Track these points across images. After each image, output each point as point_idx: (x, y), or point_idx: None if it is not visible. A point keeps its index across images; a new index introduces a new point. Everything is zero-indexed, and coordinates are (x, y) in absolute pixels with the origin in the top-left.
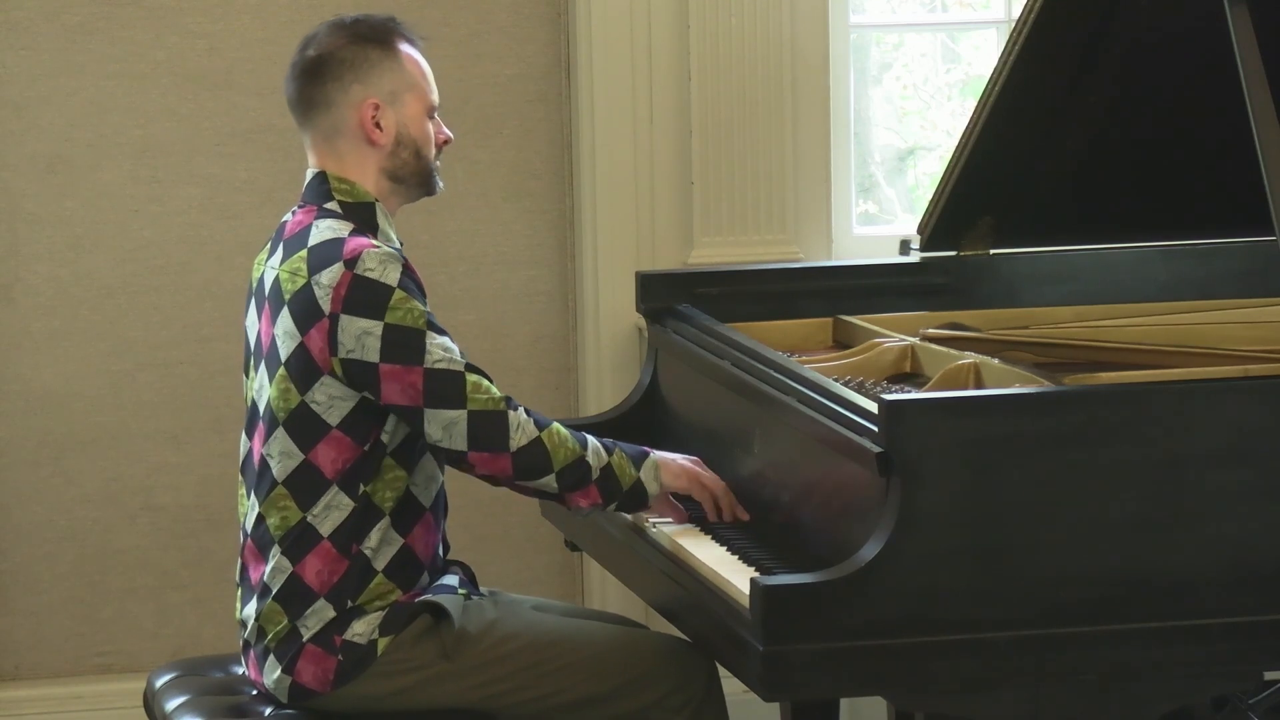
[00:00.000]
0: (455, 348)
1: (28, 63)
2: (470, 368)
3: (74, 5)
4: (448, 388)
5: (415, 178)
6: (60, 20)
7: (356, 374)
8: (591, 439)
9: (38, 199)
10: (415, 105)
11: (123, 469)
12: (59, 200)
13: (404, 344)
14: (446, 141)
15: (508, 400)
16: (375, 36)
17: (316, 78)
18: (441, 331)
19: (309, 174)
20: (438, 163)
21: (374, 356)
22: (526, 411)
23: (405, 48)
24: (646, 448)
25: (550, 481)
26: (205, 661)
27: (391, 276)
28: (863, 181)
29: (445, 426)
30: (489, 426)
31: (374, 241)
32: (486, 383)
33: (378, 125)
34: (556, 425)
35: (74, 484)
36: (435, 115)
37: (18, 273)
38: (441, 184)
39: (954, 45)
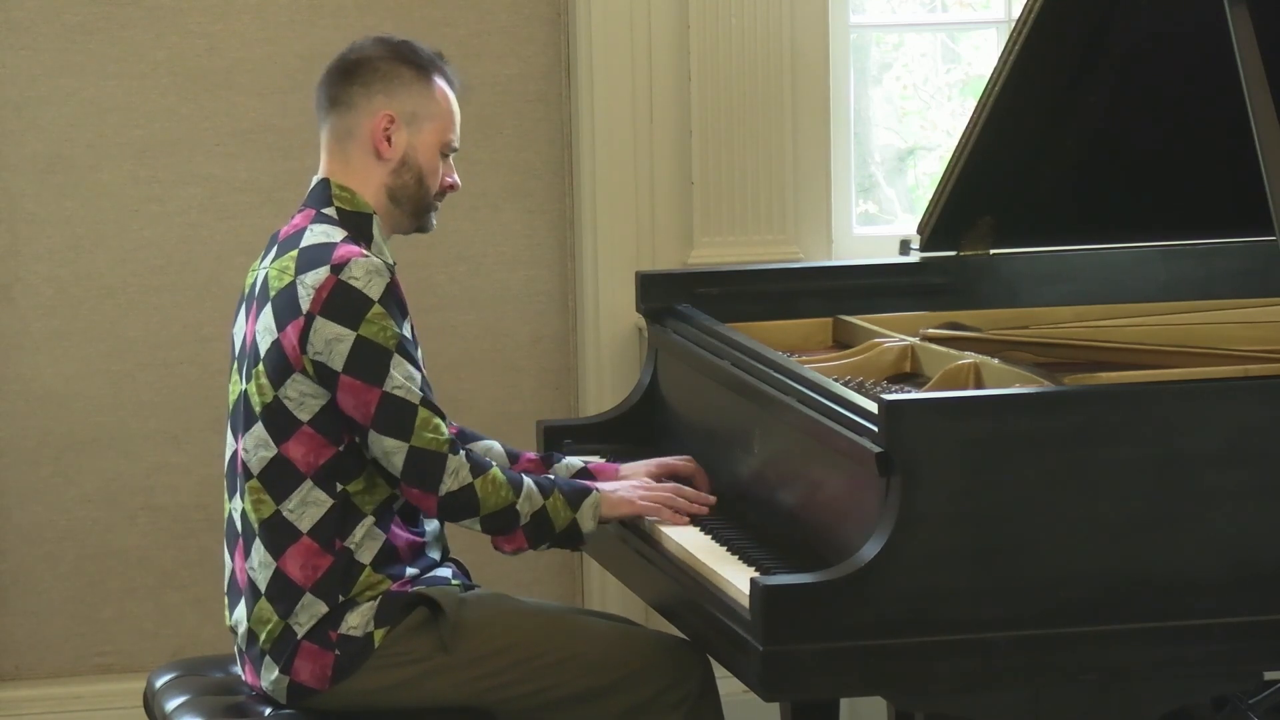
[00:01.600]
0: (419, 377)
1: (28, 63)
2: (426, 403)
3: (74, 5)
4: (398, 416)
5: (412, 204)
6: (60, 20)
7: (322, 376)
8: (529, 483)
9: (38, 199)
10: (431, 136)
11: (123, 469)
12: (59, 200)
13: (369, 360)
14: (452, 187)
15: (452, 444)
16: (416, 60)
17: (346, 78)
18: (409, 359)
19: (315, 179)
20: (438, 203)
21: (338, 365)
22: (468, 455)
23: (441, 82)
24: (591, 484)
25: (474, 524)
26: (205, 662)
27: (375, 290)
28: (863, 181)
29: (385, 452)
30: (425, 465)
31: (365, 251)
32: (437, 420)
33: (387, 139)
34: (495, 471)
35: (74, 484)
36: (450, 158)
37: (18, 273)
38: (435, 224)
39: (954, 45)
